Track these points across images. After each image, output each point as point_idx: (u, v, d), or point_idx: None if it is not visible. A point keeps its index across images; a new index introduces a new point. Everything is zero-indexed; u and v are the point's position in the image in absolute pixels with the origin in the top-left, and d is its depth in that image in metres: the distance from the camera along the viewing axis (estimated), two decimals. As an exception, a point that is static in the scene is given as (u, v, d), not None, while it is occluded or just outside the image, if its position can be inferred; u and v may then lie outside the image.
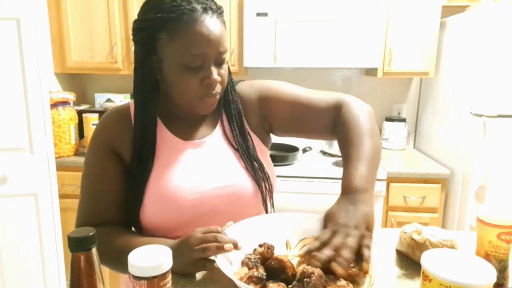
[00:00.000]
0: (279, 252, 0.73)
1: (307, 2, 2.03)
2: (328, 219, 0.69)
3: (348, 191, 0.70)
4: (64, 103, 2.14)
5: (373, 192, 0.72)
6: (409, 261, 0.81)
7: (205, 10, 0.74)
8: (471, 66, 1.84)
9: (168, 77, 0.78)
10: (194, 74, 0.76)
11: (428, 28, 2.11)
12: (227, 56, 0.82)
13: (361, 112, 0.82)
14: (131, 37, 0.87)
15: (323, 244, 0.64)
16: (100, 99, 2.43)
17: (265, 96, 0.89)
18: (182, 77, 0.76)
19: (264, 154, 0.92)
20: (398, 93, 2.56)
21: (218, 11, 0.77)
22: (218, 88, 0.79)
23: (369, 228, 0.66)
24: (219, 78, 0.78)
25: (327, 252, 0.62)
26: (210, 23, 0.74)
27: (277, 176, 1.95)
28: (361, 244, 0.63)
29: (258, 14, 2.07)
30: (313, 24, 2.05)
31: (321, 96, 0.88)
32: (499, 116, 1.72)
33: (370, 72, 2.34)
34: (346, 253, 0.61)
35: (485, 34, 1.71)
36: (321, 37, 2.07)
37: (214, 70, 0.77)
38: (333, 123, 0.85)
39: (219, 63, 0.78)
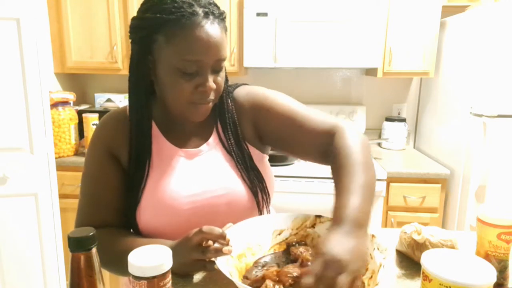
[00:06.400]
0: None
1: (307, 2, 2.03)
2: (322, 246, 0.61)
3: (341, 222, 0.63)
4: (64, 103, 2.14)
5: (367, 224, 0.65)
6: (409, 261, 0.81)
7: (206, 14, 0.71)
8: (471, 66, 1.84)
9: (162, 80, 0.76)
10: (189, 79, 0.73)
11: (428, 28, 2.11)
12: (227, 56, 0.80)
13: (355, 142, 0.76)
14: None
15: (316, 277, 0.57)
16: (100, 99, 2.43)
17: (258, 106, 0.86)
18: (176, 82, 0.74)
19: (260, 160, 0.90)
20: (398, 93, 2.56)
21: (220, 17, 0.75)
22: (213, 96, 0.77)
23: (362, 265, 0.60)
24: (214, 86, 0.75)
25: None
26: (210, 29, 0.71)
27: (277, 176, 1.95)
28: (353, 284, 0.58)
29: (258, 14, 2.07)
30: (313, 24, 2.05)
31: (317, 117, 0.83)
32: (499, 116, 1.72)
33: (370, 72, 2.34)
34: None
35: (485, 34, 1.71)
36: (321, 37, 2.06)
37: (210, 78, 0.74)
38: (323, 149, 0.80)
39: (217, 70, 0.76)
